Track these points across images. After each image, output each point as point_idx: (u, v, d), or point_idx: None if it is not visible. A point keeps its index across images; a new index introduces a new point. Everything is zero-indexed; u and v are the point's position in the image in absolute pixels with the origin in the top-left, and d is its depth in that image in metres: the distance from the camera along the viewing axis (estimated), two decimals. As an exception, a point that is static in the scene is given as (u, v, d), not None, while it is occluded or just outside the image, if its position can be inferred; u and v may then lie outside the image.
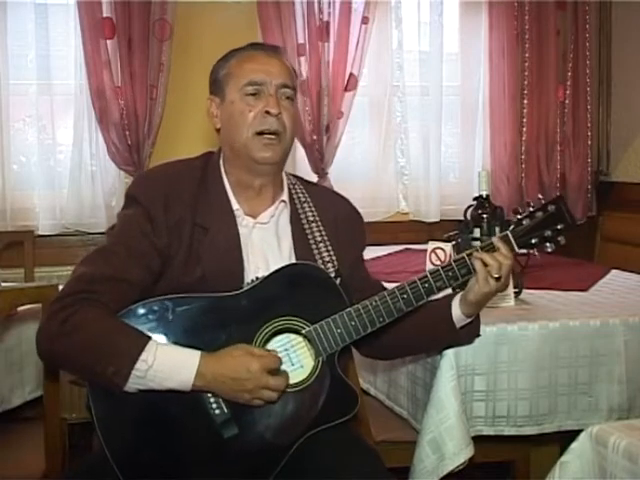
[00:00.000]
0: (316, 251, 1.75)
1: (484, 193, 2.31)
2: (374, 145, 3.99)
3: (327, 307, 1.65)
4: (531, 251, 1.75)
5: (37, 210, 3.52)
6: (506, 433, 2.01)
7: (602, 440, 1.33)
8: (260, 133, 1.70)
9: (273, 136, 1.70)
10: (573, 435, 1.43)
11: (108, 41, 3.45)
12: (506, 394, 1.98)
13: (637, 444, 1.27)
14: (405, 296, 1.67)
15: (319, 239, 1.77)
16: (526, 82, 4.08)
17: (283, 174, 1.85)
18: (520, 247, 1.72)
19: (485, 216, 2.26)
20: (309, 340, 1.64)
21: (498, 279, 1.66)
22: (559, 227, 1.72)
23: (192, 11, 3.63)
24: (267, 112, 1.69)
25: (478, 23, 4.09)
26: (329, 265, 1.74)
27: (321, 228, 1.79)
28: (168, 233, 1.65)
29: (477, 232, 2.27)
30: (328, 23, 3.72)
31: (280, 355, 1.63)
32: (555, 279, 2.60)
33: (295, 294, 1.65)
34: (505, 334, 1.98)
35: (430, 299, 1.71)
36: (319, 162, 3.77)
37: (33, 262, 3.28)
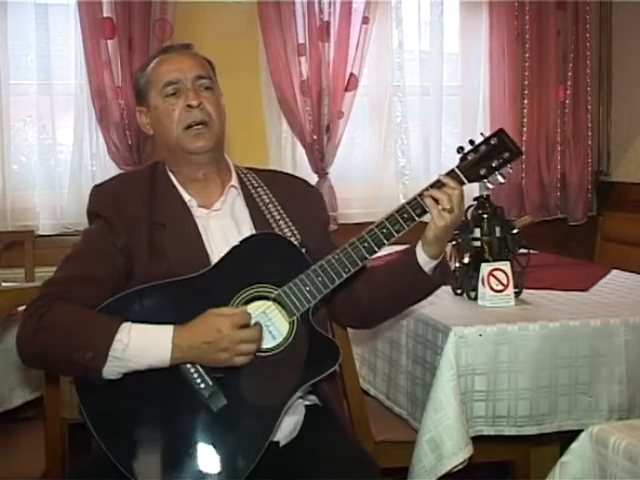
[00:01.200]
0: (277, 229, 1.78)
1: (484, 193, 2.31)
2: (374, 145, 3.99)
3: (292, 270, 1.67)
4: (483, 182, 1.78)
5: (37, 210, 3.53)
6: (506, 433, 2.01)
7: (602, 440, 1.33)
8: (188, 127, 1.75)
9: (200, 126, 1.75)
10: (573, 435, 1.42)
11: (108, 41, 3.45)
12: (506, 394, 1.98)
13: (637, 444, 1.27)
14: (366, 244, 1.69)
15: (278, 217, 1.80)
16: (526, 82, 4.08)
17: (230, 162, 1.89)
18: (470, 180, 1.74)
19: (485, 216, 2.26)
20: (280, 303, 1.66)
21: (451, 211, 1.69)
22: (505, 156, 1.74)
23: (192, 11, 3.63)
24: (189, 106, 1.75)
25: (478, 23, 4.09)
26: (292, 239, 1.75)
27: (278, 207, 1.82)
28: (126, 232, 1.70)
29: (477, 232, 2.27)
30: (328, 23, 3.73)
31: (254, 321, 1.64)
32: (555, 279, 2.60)
33: (259, 262, 1.67)
34: (505, 334, 1.98)
35: (389, 242, 1.73)
36: (319, 162, 3.77)
37: (33, 262, 3.28)
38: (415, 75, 3.99)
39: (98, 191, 1.81)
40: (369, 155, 4.01)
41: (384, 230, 1.70)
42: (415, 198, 1.72)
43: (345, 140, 3.85)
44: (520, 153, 1.78)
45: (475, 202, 2.33)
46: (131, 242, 1.70)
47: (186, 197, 1.78)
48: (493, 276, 2.17)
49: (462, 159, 1.76)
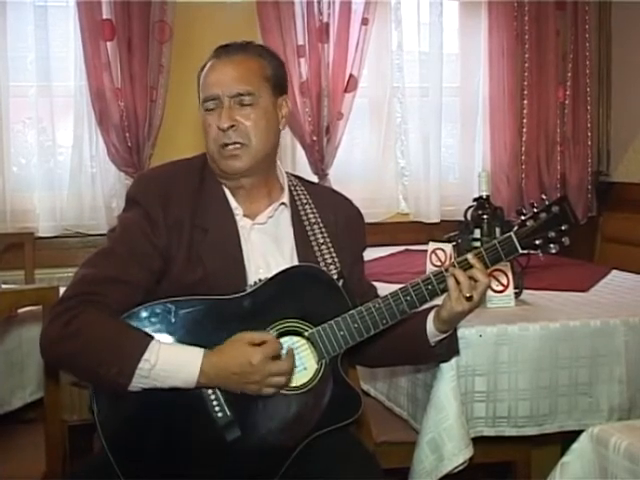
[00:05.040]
0: (318, 253, 1.75)
1: (484, 194, 2.31)
2: (374, 146, 3.99)
3: (330, 309, 1.64)
4: (535, 252, 1.72)
5: (37, 212, 3.52)
6: (507, 434, 2.01)
7: (603, 441, 1.33)
8: (223, 145, 1.69)
9: (238, 145, 1.69)
10: (574, 436, 1.43)
11: (108, 43, 3.45)
12: (507, 395, 1.98)
13: (638, 445, 1.27)
14: (408, 298, 1.65)
15: (321, 241, 1.76)
16: (526, 82, 4.08)
17: (283, 174, 1.84)
18: (524, 248, 1.69)
19: (485, 217, 2.26)
20: (312, 343, 1.64)
21: (470, 298, 1.63)
22: (563, 228, 1.69)
23: (192, 13, 3.63)
24: (219, 127, 1.68)
25: (478, 24, 4.09)
26: (332, 267, 1.73)
27: (323, 230, 1.78)
28: (167, 233, 1.65)
29: (477, 233, 2.27)
30: (328, 24, 3.72)
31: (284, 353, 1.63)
32: (555, 279, 2.60)
33: (298, 296, 1.64)
34: (505, 334, 1.98)
35: (433, 302, 1.69)
36: (319, 163, 3.77)
37: (33, 264, 3.27)
38: (414, 76, 3.99)
39: (145, 180, 1.77)
40: (369, 156, 4.00)
41: (429, 287, 1.65)
42: (465, 259, 1.66)
43: (345, 141, 3.85)
44: (578, 225, 1.71)
45: (475, 203, 2.32)
46: (171, 244, 1.65)
47: (233, 204, 1.73)
48: (493, 277, 2.17)
49: (520, 224, 1.69)
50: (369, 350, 1.76)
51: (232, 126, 1.68)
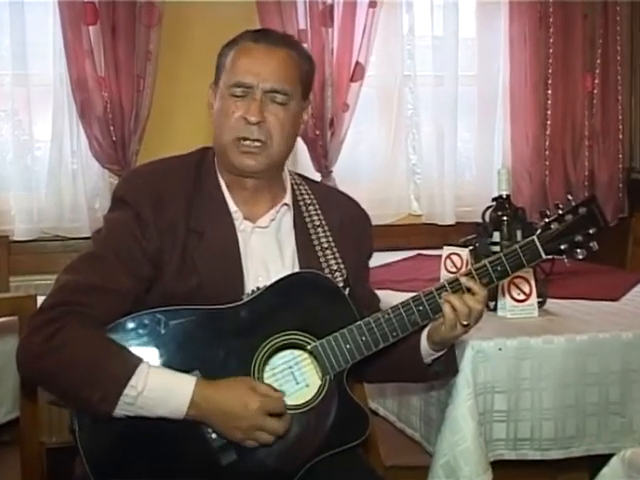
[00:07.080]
0: (323, 259, 1.75)
1: (504, 193, 2.31)
2: (383, 141, 4.00)
3: (335, 320, 1.64)
4: (560, 258, 1.72)
5: (12, 213, 3.52)
6: (529, 457, 2.01)
7: (636, 465, 1.33)
8: (240, 139, 1.68)
9: (257, 143, 1.68)
10: (603, 459, 1.43)
11: (90, 27, 3.45)
12: (529, 414, 1.99)
13: (674, 469, 1.27)
14: (421, 308, 1.66)
15: (326, 245, 1.77)
16: (550, 70, 4.09)
17: (286, 173, 1.84)
18: (548, 253, 1.69)
19: (505, 218, 2.26)
20: (315, 357, 1.64)
21: (467, 326, 1.66)
22: (591, 231, 1.69)
23: (183, -7, 3.64)
24: (245, 119, 1.67)
25: (497, 6, 4.10)
26: (337, 274, 1.74)
27: (328, 233, 1.79)
28: (159, 236, 1.64)
29: (496, 236, 2.26)
30: (332, 7, 3.73)
31: (283, 373, 1.64)
32: (583, 287, 2.60)
33: (300, 306, 1.65)
34: (528, 348, 1.98)
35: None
36: (322, 160, 3.77)
37: (8, 270, 3.28)
38: (427, 63, 4.00)
39: (135, 178, 1.75)
40: (377, 152, 4.01)
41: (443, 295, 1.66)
42: (484, 264, 1.67)
43: (350, 135, 3.86)
44: (607, 228, 1.72)
45: (494, 203, 2.32)
46: (163, 248, 1.64)
47: (232, 207, 1.73)
48: (514, 284, 2.17)
49: (544, 227, 1.69)
50: (363, 368, 1.76)
51: (259, 122, 1.68)
